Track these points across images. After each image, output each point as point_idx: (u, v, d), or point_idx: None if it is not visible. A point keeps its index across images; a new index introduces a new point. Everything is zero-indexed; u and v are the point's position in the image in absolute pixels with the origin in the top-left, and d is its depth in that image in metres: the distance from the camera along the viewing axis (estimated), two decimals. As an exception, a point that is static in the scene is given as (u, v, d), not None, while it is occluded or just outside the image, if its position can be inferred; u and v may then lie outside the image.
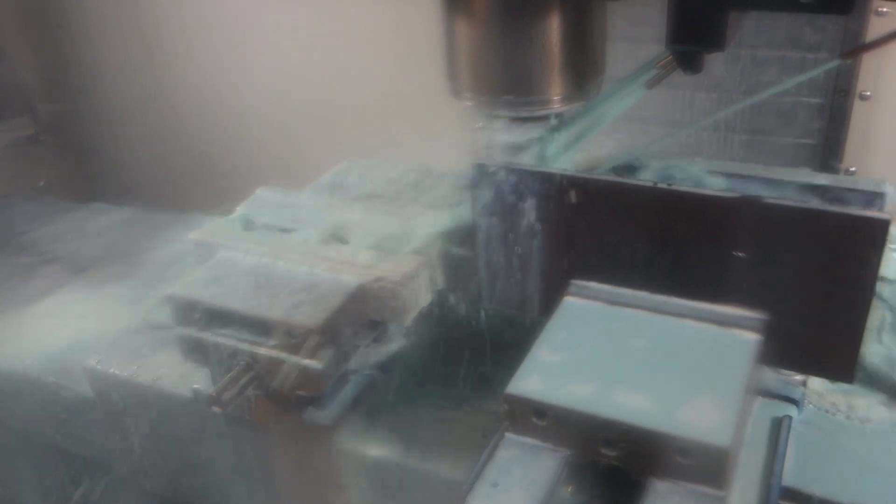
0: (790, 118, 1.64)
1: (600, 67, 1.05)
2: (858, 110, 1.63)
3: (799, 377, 0.90)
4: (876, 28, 1.50)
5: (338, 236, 1.03)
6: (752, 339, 0.80)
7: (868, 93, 1.61)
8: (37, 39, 2.41)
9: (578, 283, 0.90)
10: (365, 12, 1.95)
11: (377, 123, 1.82)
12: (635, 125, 1.63)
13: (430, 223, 1.02)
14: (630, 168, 1.08)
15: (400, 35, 1.80)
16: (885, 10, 1.47)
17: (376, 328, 0.99)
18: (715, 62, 1.60)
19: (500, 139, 1.04)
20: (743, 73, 1.62)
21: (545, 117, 1.03)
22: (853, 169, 1.68)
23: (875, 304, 0.77)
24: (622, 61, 1.06)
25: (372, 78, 1.96)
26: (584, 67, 1.01)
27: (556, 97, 1.00)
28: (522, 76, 0.98)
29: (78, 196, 2.06)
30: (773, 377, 0.89)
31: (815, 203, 0.77)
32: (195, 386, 1.03)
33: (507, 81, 0.99)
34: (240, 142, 2.22)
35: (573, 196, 0.88)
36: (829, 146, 1.65)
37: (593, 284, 0.89)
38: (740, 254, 0.80)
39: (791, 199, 0.78)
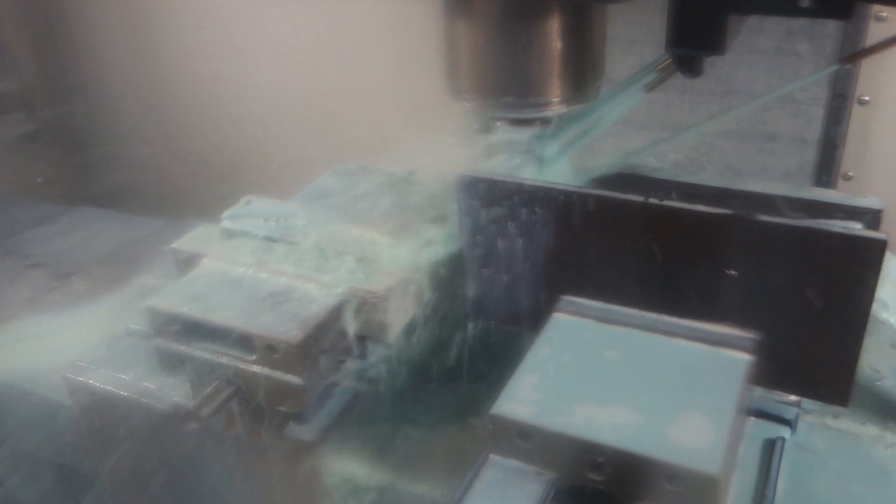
0: (788, 123, 1.62)
1: (600, 70, 1.04)
2: (857, 115, 1.61)
3: (793, 398, 0.88)
4: (876, 33, 1.48)
5: (323, 248, 1.00)
6: (744, 359, 0.78)
7: (867, 97, 1.59)
8: (36, 38, 2.40)
9: (568, 298, 0.88)
10: (364, 15, 1.93)
11: (375, 127, 1.80)
12: (631, 129, 1.61)
13: (417, 235, 1.00)
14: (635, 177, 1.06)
15: (400, 37, 1.78)
16: (884, 14, 1.45)
17: (360, 343, 0.97)
18: (713, 66, 1.59)
19: (498, 141, 1.02)
20: (740, 77, 1.60)
21: (544, 119, 1.02)
22: (851, 174, 1.66)
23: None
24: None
25: (371, 81, 1.95)
26: (583, 70, 1.00)
27: (555, 99, 1.00)
28: (522, 78, 0.97)
29: (75, 195, 2.05)
30: (767, 398, 0.87)
31: (809, 221, 0.75)
32: (175, 399, 1.01)
33: (506, 83, 0.98)
34: (240, 145, 2.20)
35: (562, 210, 0.86)
36: (827, 151, 1.63)
37: (583, 300, 0.87)
38: (732, 272, 0.78)
39: (785, 217, 0.76)
